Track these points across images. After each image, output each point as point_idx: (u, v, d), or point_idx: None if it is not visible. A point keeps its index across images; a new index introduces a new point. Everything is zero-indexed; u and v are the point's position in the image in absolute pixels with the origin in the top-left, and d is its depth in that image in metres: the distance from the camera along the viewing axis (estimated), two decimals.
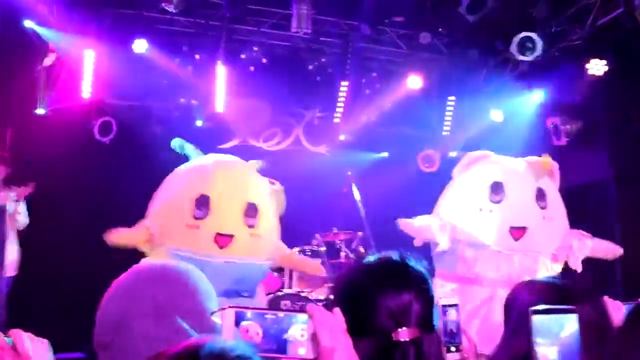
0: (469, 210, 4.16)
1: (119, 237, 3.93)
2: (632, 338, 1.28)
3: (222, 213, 3.93)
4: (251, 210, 3.98)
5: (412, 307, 1.32)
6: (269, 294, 5.35)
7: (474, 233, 4.10)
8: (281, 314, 1.09)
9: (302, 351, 1.08)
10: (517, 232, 4.10)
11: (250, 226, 3.98)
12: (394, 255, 1.43)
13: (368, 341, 1.29)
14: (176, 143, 4.51)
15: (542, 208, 4.25)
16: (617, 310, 1.80)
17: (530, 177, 4.28)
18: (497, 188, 4.14)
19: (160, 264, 1.42)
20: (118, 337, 1.25)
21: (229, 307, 1.09)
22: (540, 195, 4.27)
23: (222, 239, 3.85)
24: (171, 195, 4.12)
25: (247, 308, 1.10)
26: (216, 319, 1.21)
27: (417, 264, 1.43)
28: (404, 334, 1.27)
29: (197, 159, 4.38)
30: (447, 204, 4.32)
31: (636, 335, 1.28)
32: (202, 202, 3.92)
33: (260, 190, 4.20)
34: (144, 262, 1.42)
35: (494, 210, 4.11)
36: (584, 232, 4.37)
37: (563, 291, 1.65)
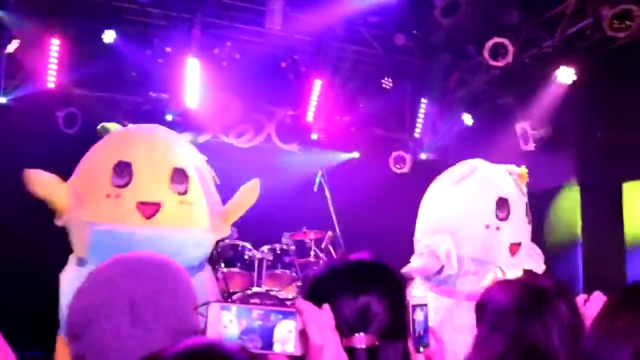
0: (476, 226, 3.98)
1: (40, 180, 3.47)
2: (609, 325, 1.29)
3: (144, 179, 3.49)
4: (179, 176, 3.56)
5: (371, 312, 1.23)
6: (233, 293, 5.27)
7: (480, 250, 3.96)
8: (268, 310, 1.06)
9: (289, 347, 1.05)
10: (515, 247, 4.06)
11: (180, 193, 3.56)
12: (363, 256, 1.35)
13: None
14: (100, 127, 3.93)
15: (529, 223, 4.27)
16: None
17: (521, 192, 4.23)
18: (502, 204, 4.03)
19: (139, 256, 1.34)
20: (88, 331, 1.18)
21: (214, 301, 1.05)
22: (527, 209, 4.27)
23: (147, 208, 3.42)
24: (87, 165, 3.67)
25: (233, 303, 1.06)
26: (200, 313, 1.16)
27: (389, 267, 1.34)
28: (358, 341, 1.18)
29: (118, 129, 3.92)
30: (449, 217, 4.06)
31: (614, 322, 1.29)
32: (123, 169, 3.47)
33: (188, 155, 3.77)
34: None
35: (501, 227, 3.99)
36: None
37: (537, 291, 1.65)
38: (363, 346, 1.18)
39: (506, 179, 4.23)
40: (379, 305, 1.24)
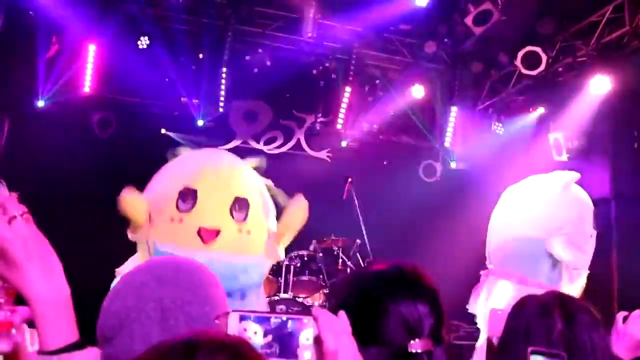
0: (585, 234, 4.11)
1: (133, 202, 3.61)
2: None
3: (207, 206, 3.64)
4: (240, 204, 3.69)
5: (426, 318, 1.30)
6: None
7: (583, 258, 4.09)
8: (285, 318, 1.08)
9: (307, 355, 1.06)
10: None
11: (240, 221, 3.69)
12: (405, 264, 1.39)
13: (378, 350, 1.25)
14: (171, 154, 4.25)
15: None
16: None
17: None
18: (595, 216, 4.20)
19: (174, 262, 1.35)
20: (119, 335, 1.20)
21: (233, 311, 1.07)
22: None
23: (207, 233, 3.58)
24: (157, 188, 3.83)
25: (252, 312, 1.08)
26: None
27: (427, 276, 1.40)
28: (418, 345, 1.24)
29: (188, 153, 4.12)
30: (566, 220, 4.11)
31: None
32: (188, 195, 3.64)
33: (251, 184, 3.90)
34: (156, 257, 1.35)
35: (593, 235, 4.14)
36: None
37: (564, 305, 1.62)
38: (421, 350, 1.25)
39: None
40: (431, 311, 1.32)
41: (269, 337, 1.06)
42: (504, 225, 4.27)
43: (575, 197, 4.20)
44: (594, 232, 4.12)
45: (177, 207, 3.62)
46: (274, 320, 1.07)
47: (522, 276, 4.15)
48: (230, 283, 3.76)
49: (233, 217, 3.65)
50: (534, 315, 1.53)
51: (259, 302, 3.93)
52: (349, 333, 1.09)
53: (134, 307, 1.20)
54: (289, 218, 4.03)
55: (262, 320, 1.07)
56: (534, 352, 1.32)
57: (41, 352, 1.01)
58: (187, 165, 3.92)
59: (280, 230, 4.02)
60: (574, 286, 3.98)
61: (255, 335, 1.06)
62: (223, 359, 0.82)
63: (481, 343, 4.13)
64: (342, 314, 1.12)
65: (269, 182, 4.15)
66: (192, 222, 3.58)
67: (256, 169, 4.12)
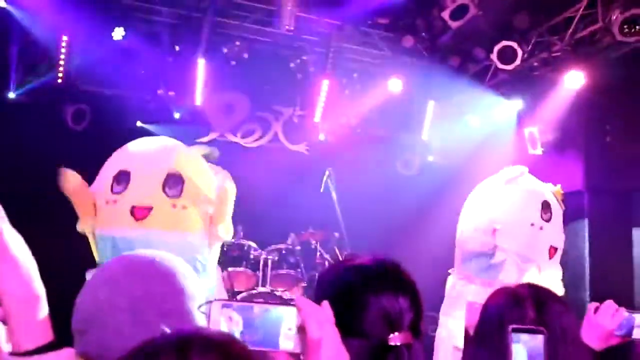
0: (523, 223, 4.22)
1: (74, 181, 3.59)
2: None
3: (139, 184, 3.64)
4: (173, 180, 3.66)
5: (407, 312, 1.32)
6: (238, 292, 5.28)
7: (525, 247, 4.19)
8: (268, 307, 1.08)
9: (289, 345, 1.07)
10: (553, 251, 4.28)
11: (173, 196, 3.65)
12: (387, 259, 1.42)
13: (359, 342, 1.27)
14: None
15: (563, 233, 4.50)
16: (617, 316, 1.85)
17: (559, 204, 4.47)
18: (546, 207, 4.28)
19: (148, 257, 1.34)
20: (92, 327, 1.20)
21: (216, 300, 1.07)
22: (563, 220, 4.49)
23: (139, 211, 3.55)
24: (98, 175, 3.84)
25: (235, 301, 1.09)
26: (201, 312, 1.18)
27: (407, 271, 1.42)
28: (398, 338, 1.26)
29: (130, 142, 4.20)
30: (500, 213, 4.30)
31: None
32: (122, 178, 3.64)
33: (186, 160, 3.85)
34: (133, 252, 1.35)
35: (544, 228, 4.23)
36: None
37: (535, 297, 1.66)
38: (400, 343, 1.27)
39: (547, 188, 4.48)
40: (407, 303, 1.34)
41: (251, 326, 1.06)
42: (459, 225, 4.50)
43: (517, 190, 4.35)
44: (543, 223, 4.21)
45: (112, 190, 3.61)
46: (257, 309, 1.07)
47: (468, 275, 4.30)
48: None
49: (166, 194, 3.62)
50: (506, 305, 1.57)
51: (210, 282, 3.84)
52: (332, 322, 1.10)
53: (106, 300, 1.20)
54: (219, 193, 4.04)
55: (244, 309, 1.07)
56: (515, 330, 1.33)
57: (13, 353, 0.99)
58: (123, 151, 3.90)
59: (215, 211, 3.98)
60: (527, 279, 4.02)
61: (238, 324, 1.05)
62: (215, 357, 0.82)
63: (444, 334, 4.28)
64: (325, 303, 1.13)
65: (217, 169, 4.09)
66: (126, 202, 3.57)
67: (206, 156, 4.06)
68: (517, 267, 4.12)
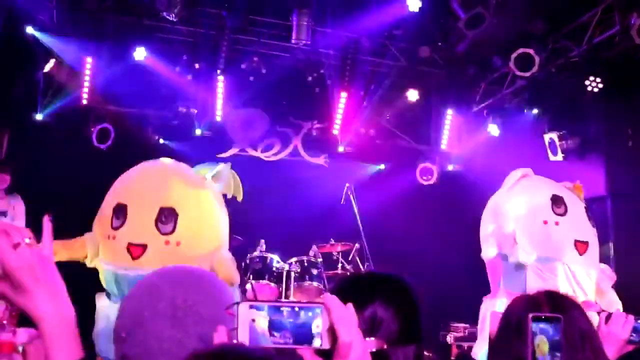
0: (534, 223, 4.02)
1: (58, 251, 3.56)
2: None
3: (135, 221, 3.64)
4: (166, 216, 3.63)
5: (377, 319, 1.35)
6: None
7: (543, 247, 3.97)
8: (297, 307, 1.10)
9: (317, 342, 1.08)
10: (582, 246, 4.02)
11: (165, 233, 3.64)
12: (370, 269, 1.50)
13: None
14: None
15: (593, 226, 4.22)
16: (628, 324, 1.84)
17: (575, 196, 4.24)
18: (558, 200, 4.06)
19: (185, 268, 1.44)
20: (133, 334, 1.26)
21: (244, 301, 1.10)
22: (588, 213, 4.24)
23: (135, 249, 3.58)
24: (102, 206, 3.89)
25: (262, 302, 1.10)
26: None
27: (393, 277, 1.46)
28: (367, 345, 1.26)
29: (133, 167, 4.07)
30: (511, 221, 4.14)
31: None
32: (120, 211, 3.66)
33: (181, 192, 3.79)
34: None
35: (560, 222, 4.00)
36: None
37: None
38: (373, 349, 1.27)
39: (556, 184, 4.27)
40: (386, 312, 1.36)
41: (279, 326, 1.08)
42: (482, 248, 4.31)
43: (520, 192, 4.18)
44: (557, 218, 3.99)
45: (112, 224, 3.68)
46: (284, 309, 1.09)
47: (496, 290, 4.15)
48: None
49: (159, 230, 3.61)
50: (524, 312, 1.58)
51: None
52: (357, 325, 1.12)
53: (147, 307, 1.27)
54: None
55: (272, 310, 1.09)
56: (535, 319, 1.35)
57: None
58: (123, 180, 3.94)
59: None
60: (550, 283, 3.86)
61: (265, 324, 1.08)
62: None
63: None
64: (350, 305, 1.14)
65: (219, 187, 3.98)
66: (123, 238, 3.62)
67: (216, 177, 3.96)
68: (537, 274, 3.94)
